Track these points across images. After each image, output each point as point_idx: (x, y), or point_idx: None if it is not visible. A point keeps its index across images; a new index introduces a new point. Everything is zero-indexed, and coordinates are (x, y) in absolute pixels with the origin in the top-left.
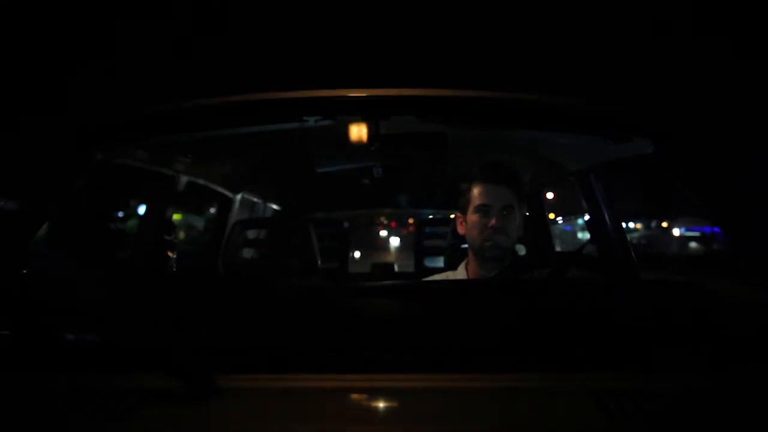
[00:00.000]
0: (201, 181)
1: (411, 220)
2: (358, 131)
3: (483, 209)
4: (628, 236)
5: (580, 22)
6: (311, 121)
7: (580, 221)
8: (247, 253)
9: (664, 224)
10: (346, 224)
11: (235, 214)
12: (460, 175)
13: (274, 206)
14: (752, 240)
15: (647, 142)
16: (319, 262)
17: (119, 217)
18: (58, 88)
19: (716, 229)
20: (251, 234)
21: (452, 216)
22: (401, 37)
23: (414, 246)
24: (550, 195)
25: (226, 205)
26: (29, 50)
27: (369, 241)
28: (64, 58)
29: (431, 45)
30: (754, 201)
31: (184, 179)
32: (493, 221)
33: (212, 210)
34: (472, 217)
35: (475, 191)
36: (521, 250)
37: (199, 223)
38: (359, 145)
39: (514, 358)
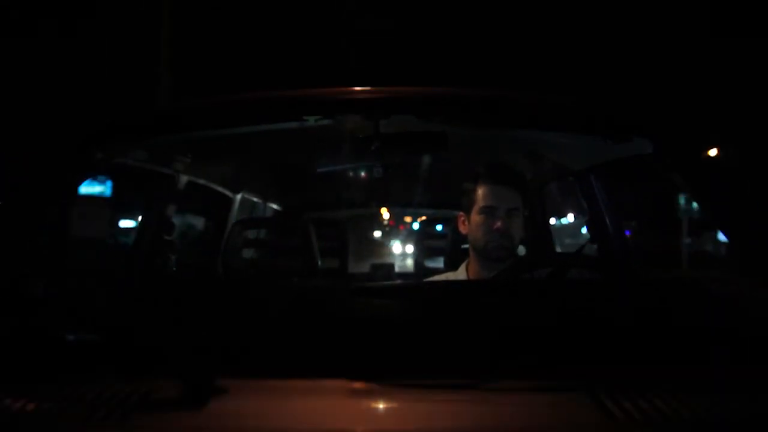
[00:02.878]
0: (201, 181)
1: (408, 219)
2: (358, 131)
3: (488, 210)
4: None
5: (581, 22)
6: (311, 120)
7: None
8: (247, 253)
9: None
10: (345, 224)
11: (235, 214)
12: (460, 175)
13: (274, 206)
14: (753, 240)
15: (647, 142)
16: (319, 262)
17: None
18: (59, 88)
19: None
20: (251, 234)
21: (452, 217)
22: (402, 37)
23: (414, 246)
24: (550, 195)
25: (226, 205)
26: (29, 49)
27: (369, 240)
28: (64, 58)
29: (432, 44)
30: (755, 201)
31: (184, 179)
32: (498, 223)
33: (212, 210)
34: (477, 217)
35: (481, 192)
36: (521, 250)
37: (199, 223)
38: (359, 145)
39: (514, 358)
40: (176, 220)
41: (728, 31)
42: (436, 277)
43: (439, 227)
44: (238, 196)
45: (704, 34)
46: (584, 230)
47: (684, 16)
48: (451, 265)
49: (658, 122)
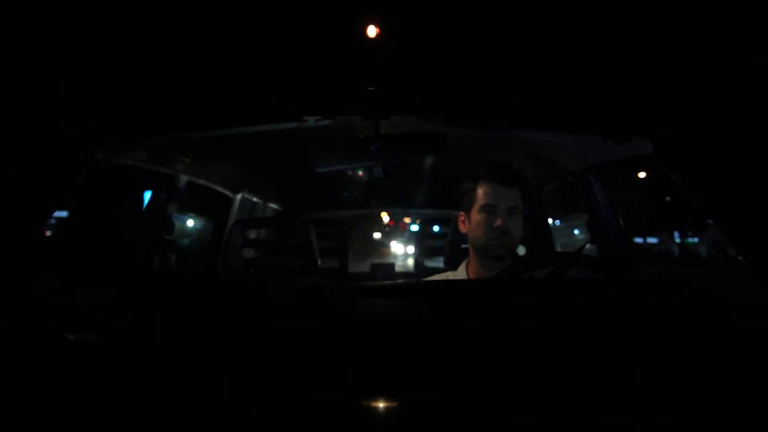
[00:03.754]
0: (201, 181)
1: (407, 219)
2: (358, 131)
3: (489, 209)
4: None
5: (582, 21)
6: (311, 120)
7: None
8: (247, 253)
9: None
10: (346, 224)
11: (235, 214)
12: (460, 174)
13: (274, 206)
14: (753, 240)
15: (647, 142)
16: (319, 262)
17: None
18: (59, 87)
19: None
20: (251, 234)
21: (451, 217)
22: (402, 36)
23: (414, 245)
24: (550, 195)
25: (226, 205)
26: (30, 48)
27: (368, 240)
28: (65, 57)
29: (432, 44)
30: (755, 201)
31: (184, 179)
32: (499, 222)
33: (212, 210)
34: (477, 216)
35: (481, 191)
36: (521, 249)
37: (200, 223)
38: (359, 145)
39: (516, 358)
40: (176, 220)
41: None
42: (436, 276)
43: (438, 227)
44: (238, 196)
45: (704, 34)
46: (576, 231)
47: (683, 16)
48: (451, 265)
49: (658, 122)
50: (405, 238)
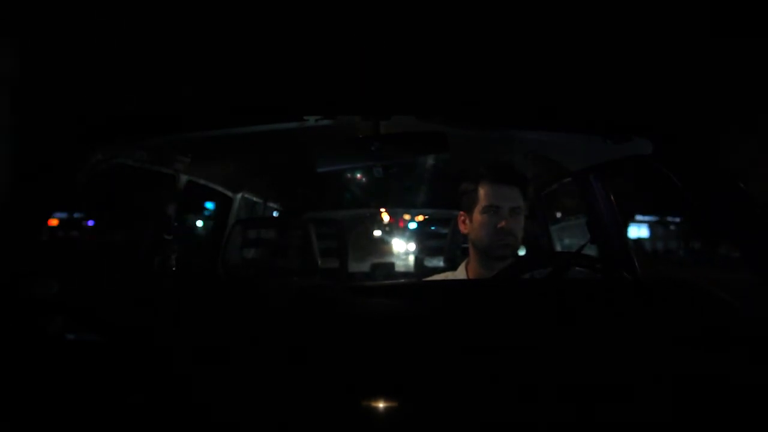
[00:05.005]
0: (201, 181)
1: (407, 216)
2: (358, 131)
3: (492, 209)
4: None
5: (582, 21)
6: (311, 120)
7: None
8: (247, 253)
9: None
10: (346, 223)
11: (235, 214)
12: (460, 174)
13: (274, 206)
14: (752, 240)
15: (647, 142)
16: (319, 262)
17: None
18: (59, 86)
19: None
20: (251, 234)
21: (451, 217)
22: (401, 36)
23: (414, 246)
24: (550, 195)
25: (226, 205)
26: (29, 47)
27: (368, 240)
28: (65, 56)
29: (431, 44)
30: (755, 201)
31: (184, 179)
32: (502, 222)
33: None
34: (480, 217)
35: (483, 191)
36: (521, 249)
37: (200, 223)
38: (359, 145)
39: (515, 357)
40: (176, 220)
41: (729, 30)
42: (436, 276)
43: (438, 227)
44: (238, 196)
45: (704, 33)
46: (576, 231)
47: (683, 15)
48: (451, 264)
49: (658, 122)
50: (405, 237)
